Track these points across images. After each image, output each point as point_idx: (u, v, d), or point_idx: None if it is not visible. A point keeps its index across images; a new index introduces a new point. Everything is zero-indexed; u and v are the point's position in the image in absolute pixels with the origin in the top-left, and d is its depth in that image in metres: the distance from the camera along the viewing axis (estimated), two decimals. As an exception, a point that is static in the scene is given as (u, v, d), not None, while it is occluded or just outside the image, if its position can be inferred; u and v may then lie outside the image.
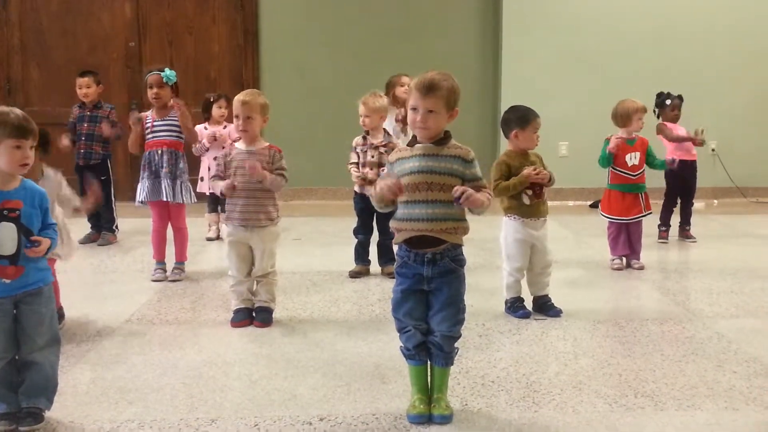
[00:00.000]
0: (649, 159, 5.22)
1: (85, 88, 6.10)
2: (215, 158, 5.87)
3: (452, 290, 2.71)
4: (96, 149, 6.13)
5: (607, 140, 5.20)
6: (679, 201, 6.32)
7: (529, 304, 4.12)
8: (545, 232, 4.12)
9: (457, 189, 2.60)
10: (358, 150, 4.89)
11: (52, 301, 2.75)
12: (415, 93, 2.68)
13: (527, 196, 4.02)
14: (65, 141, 6.00)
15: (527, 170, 3.97)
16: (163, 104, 4.86)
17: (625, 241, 5.20)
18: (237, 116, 3.86)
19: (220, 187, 3.88)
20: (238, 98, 3.87)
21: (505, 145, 4.18)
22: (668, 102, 6.26)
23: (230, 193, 3.85)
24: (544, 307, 4.09)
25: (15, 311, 2.64)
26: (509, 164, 4.04)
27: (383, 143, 4.80)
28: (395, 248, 2.84)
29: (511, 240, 4.07)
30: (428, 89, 2.66)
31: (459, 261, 2.73)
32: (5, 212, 2.59)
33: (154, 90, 4.81)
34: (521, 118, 4.03)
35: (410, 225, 2.69)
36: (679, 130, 6.27)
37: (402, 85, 5.56)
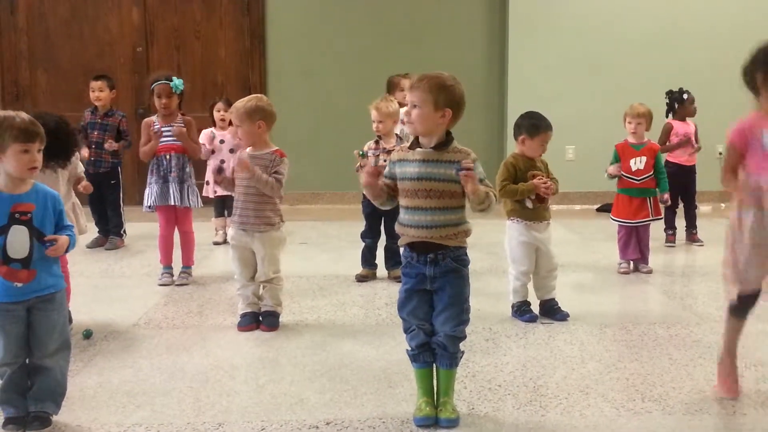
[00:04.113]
0: (655, 166, 5.19)
1: (98, 92, 6.11)
2: (222, 161, 5.91)
3: (455, 290, 2.71)
4: (106, 158, 6.13)
5: (615, 149, 5.21)
6: (682, 206, 6.30)
7: (535, 307, 4.11)
8: (549, 236, 4.12)
9: (464, 163, 2.60)
10: (370, 154, 4.88)
11: (64, 306, 2.77)
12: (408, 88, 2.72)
13: (530, 200, 4.02)
14: (85, 153, 6.03)
15: (537, 180, 3.98)
16: (171, 112, 4.88)
17: (635, 246, 5.19)
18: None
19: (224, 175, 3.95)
20: (232, 106, 3.91)
21: (511, 149, 4.18)
22: (686, 96, 6.24)
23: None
24: (551, 310, 4.08)
25: (28, 317, 2.65)
26: (516, 166, 4.04)
27: (395, 148, 4.78)
28: (401, 251, 2.85)
29: (516, 243, 4.07)
30: (414, 83, 2.71)
31: (462, 261, 2.74)
32: (17, 216, 2.60)
33: (163, 101, 4.82)
34: (531, 127, 4.03)
35: (411, 231, 2.71)
36: (688, 127, 6.24)
37: (402, 89, 5.56)
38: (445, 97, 2.66)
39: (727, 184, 3.01)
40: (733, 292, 2.97)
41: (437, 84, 2.66)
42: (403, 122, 5.36)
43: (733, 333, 3.07)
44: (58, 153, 3.58)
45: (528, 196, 4.01)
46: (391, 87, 5.80)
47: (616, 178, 5.24)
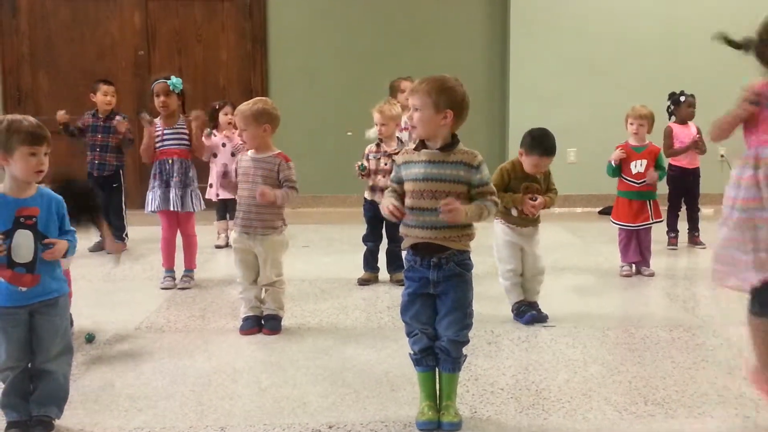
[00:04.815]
0: (655, 168, 5.18)
1: (110, 96, 6.18)
2: (224, 165, 5.92)
3: (458, 294, 2.71)
4: (110, 160, 6.16)
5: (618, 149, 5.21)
6: (685, 207, 6.31)
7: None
8: (538, 239, 4.11)
9: (443, 203, 2.60)
10: (371, 157, 4.89)
11: (67, 311, 2.77)
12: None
13: (516, 209, 4.02)
14: (62, 114, 6.06)
15: (527, 202, 3.97)
16: (171, 112, 4.88)
17: (636, 249, 5.18)
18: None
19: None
20: (236, 110, 3.90)
21: (512, 150, 4.18)
22: (683, 99, 6.24)
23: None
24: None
25: (30, 321, 2.66)
26: (511, 174, 4.04)
27: (396, 151, 4.78)
28: (404, 254, 2.85)
29: (501, 242, 4.09)
30: (415, 87, 2.71)
31: (465, 265, 2.74)
32: (22, 219, 2.61)
33: (162, 99, 4.82)
34: (529, 146, 4.00)
35: (415, 232, 2.71)
36: (690, 129, 6.24)
37: (402, 91, 5.55)
38: (446, 99, 2.67)
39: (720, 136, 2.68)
40: (751, 278, 2.48)
41: (437, 86, 2.67)
42: (403, 129, 5.36)
43: (765, 336, 2.58)
44: (86, 221, 3.45)
45: (514, 206, 4.01)
46: (393, 91, 5.80)
47: (617, 180, 5.23)
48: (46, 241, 2.63)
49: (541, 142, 4.00)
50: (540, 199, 4.01)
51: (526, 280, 4.11)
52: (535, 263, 4.09)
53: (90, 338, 3.76)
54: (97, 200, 3.71)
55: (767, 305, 2.56)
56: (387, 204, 2.71)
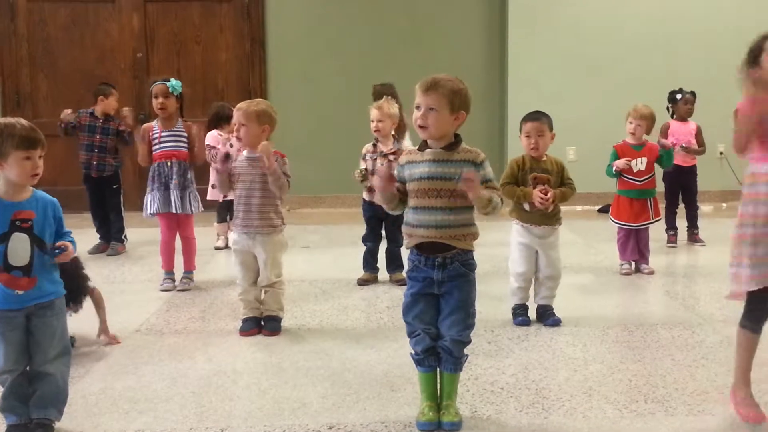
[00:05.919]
0: (658, 160, 5.19)
1: (116, 101, 6.23)
2: (227, 153, 5.90)
3: (462, 294, 2.71)
4: (109, 161, 6.18)
5: (614, 149, 5.20)
6: (683, 205, 6.31)
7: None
8: (553, 241, 4.05)
9: (464, 174, 2.59)
10: (368, 158, 4.88)
11: (63, 313, 2.77)
12: (418, 91, 2.71)
13: (528, 203, 4.00)
14: (69, 113, 6.12)
15: (536, 191, 3.93)
16: (169, 115, 4.89)
17: (634, 247, 5.19)
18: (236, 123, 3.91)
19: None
20: (237, 106, 3.91)
21: (512, 149, 4.17)
22: (679, 96, 6.25)
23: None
24: (543, 315, 4.04)
25: (27, 324, 2.65)
26: (520, 166, 4.02)
27: (393, 150, 4.78)
28: (406, 253, 2.85)
29: (515, 244, 4.06)
30: (429, 86, 2.68)
31: (469, 265, 2.74)
32: (18, 223, 2.61)
33: (160, 100, 4.83)
34: (520, 122, 4.03)
35: (420, 231, 2.70)
36: (689, 126, 6.25)
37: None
38: (460, 100, 2.69)
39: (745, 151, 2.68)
40: (748, 284, 2.62)
41: (452, 88, 2.68)
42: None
43: (746, 353, 2.78)
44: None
45: (526, 201, 3.99)
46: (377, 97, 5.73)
47: (616, 179, 5.23)
48: (58, 244, 2.64)
49: (529, 114, 4.05)
50: (550, 192, 3.96)
51: (539, 283, 4.07)
52: (548, 267, 4.03)
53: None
54: (84, 282, 3.69)
55: (753, 319, 2.75)
56: (375, 179, 2.72)
